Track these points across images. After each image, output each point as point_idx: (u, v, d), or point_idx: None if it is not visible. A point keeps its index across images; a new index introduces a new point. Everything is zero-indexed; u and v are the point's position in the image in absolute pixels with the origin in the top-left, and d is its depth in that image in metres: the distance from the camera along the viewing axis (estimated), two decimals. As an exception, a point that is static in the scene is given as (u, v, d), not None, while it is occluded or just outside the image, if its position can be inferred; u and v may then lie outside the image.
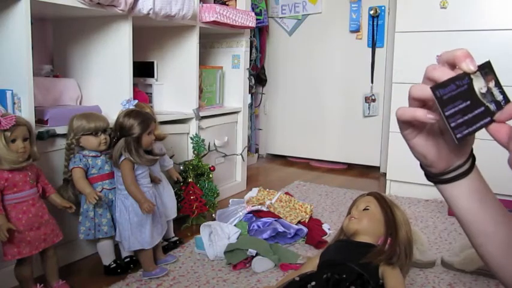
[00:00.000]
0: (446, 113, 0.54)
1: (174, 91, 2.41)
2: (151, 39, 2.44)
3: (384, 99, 3.30)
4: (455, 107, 0.55)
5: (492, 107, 0.55)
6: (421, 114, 0.58)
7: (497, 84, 0.56)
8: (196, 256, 1.81)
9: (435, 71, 0.58)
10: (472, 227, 0.66)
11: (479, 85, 0.55)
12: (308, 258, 1.55)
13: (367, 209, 1.38)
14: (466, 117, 0.55)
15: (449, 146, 0.64)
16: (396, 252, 1.27)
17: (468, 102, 0.55)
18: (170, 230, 1.92)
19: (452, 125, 0.55)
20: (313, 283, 1.21)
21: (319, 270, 1.31)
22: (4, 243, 1.34)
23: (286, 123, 3.77)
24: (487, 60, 0.56)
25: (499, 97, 0.55)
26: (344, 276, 1.21)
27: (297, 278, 1.28)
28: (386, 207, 1.36)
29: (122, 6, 1.78)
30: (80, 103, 2.02)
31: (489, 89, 0.55)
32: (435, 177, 0.67)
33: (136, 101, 1.71)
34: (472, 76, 0.55)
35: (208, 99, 2.61)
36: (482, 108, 0.55)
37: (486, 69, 0.56)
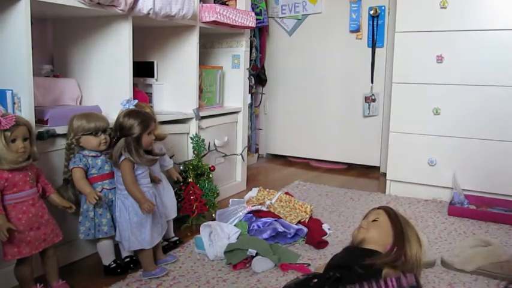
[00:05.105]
0: None
1: (174, 91, 2.41)
2: (151, 39, 2.44)
3: (384, 99, 3.30)
4: None
5: None
6: None
7: None
8: (196, 256, 1.81)
9: None
10: None
11: None
12: (317, 268, 1.59)
13: (376, 221, 1.43)
14: None
15: None
16: (401, 258, 1.30)
17: None
18: (170, 230, 1.93)
19: None
20: (315, 280, 1.23)
21: (324, 272, 1.34)
22: (4, 243, 1.34)
23: (286, 123, 3.77)
24: None
25: None
26: (344, 276, 1.22)
27: (302, 277, 1.31)
28: (397, 221, 1.43)
29: (122, 6, 1.78)
30: (80, 103, 2.02)
31: None
32: None
33: (136, 101, 1.71)
34: None
35: (208, 99, 2.61)
36: None
37: None
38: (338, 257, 1.41)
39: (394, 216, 1.44)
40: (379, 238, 1.40)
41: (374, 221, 1.45)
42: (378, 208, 1.52)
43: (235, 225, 1.96)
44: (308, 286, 1.22)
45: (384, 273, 1.26)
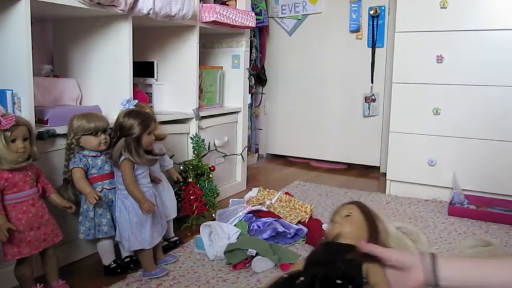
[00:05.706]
0: None
1: (174, 91, 2.41)
2: (151, 39, 2.44)
3: (384, 99, 3.30)
4: None
5: None
6: None
7: None
8: (196, 256, 1.81)
9: None
10: None
11: None
12: (294, 264, 1.59)
13: (349, 215, 1.43)
14: None
15: None
16: None
17: None
18: (170, 230, 1.93)
19: None
20: (301, 278, 1.23)
21: (307, 269, 1.33)
22: (4, 243, 1.34)
23: (286, 123, 3.77)
24: None
25: None
26: (330, 272, 1.23)
27: (285, 275, 1.30)
28: (369, 215, 1.44)
29: (122, 6, 1.78)
30: (80, 103, 2.02)
31: None
32: None
33: (136, 101, 1.72)
34: None
35: (208, 99, 2.61)
36: None
37: None
38: (318, 253, 1.41)
39: (367, 211, 1.45)
40: (354, 233, 1.40)
41: (347, 216, 1.46)
42: (349, 203, 1.52)
43: (235, 225, 1.96)
44: (294, 284, 1.22)
45: (365, 269, 1.26)
